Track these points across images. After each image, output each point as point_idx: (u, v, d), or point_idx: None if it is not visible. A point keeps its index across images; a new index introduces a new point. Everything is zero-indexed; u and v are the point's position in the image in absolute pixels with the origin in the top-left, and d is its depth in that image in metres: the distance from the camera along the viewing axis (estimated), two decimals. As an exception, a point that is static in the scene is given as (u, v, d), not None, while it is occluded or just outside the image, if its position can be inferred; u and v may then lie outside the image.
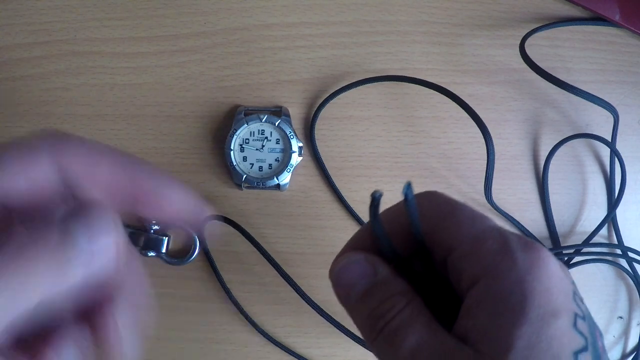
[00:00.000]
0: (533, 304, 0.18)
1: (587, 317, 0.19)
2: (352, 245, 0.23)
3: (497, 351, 0.18)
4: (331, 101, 0.41)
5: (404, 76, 0.39)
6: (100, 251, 0.17)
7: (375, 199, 0.20)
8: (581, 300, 0.20)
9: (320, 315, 0.40)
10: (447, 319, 0.20)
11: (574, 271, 0.43)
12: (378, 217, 0.21)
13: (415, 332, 0.19)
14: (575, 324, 0.18)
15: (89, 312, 0.19)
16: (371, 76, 0.40)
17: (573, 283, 0.20)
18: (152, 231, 0.41)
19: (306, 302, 0.40)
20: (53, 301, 0.17)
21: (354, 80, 0.41)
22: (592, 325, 0.19)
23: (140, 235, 0.41)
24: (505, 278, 0.18)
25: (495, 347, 0.18)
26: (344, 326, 0.39)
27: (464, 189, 0.42)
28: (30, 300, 0.16)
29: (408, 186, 0.20)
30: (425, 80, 0.37)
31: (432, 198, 0.22)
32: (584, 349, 0.18)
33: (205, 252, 0.42)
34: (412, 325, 0.19)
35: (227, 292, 0.42)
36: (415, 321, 0.19)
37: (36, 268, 0.16)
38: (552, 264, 0.19)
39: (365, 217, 0.42)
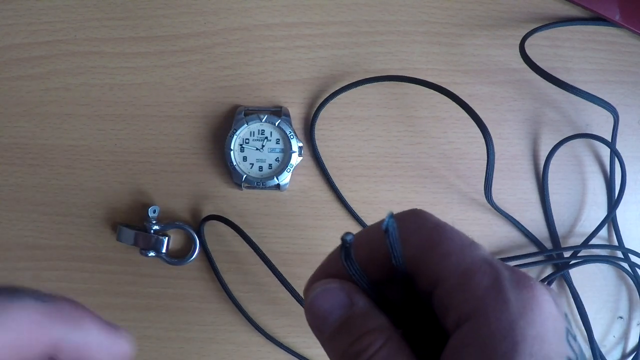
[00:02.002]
0: (524, 352, 0.16)
1: (580, 357, 0.18)
2: (326, 269, 0.22)
3: None
4: (331, 101, 0.41)
5: (404, 76, 0.39)
6: None
7: (345, 243, 0.18)
8: (574, 338, 0.18)
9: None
10: (429, 352, 0.19)
11: (574, 271, 0.43)
12: (351, 259, 0.19)
13: None
14: None
15: None
16: (371, 76, 0.40)
17: (566, 318, 0.19)
18: (152, 231, 0.41)
19: (300, 304, 0.40)
20: None
21: (354, 80, 0.41)
22: None
23: (140, 235, 0.41)
24: (496, 321, 0.17)
25: None
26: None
27: (464, 189, 0.42)
28: None
29: (390, 217, 0.18)
30: (425, 80, 0.37)
31: (418, 220, 0.20)
32: None
33: (205, 252, 0.42)
34: None
35: (227, 292, 0.42)
36: None
37: None
38: (546, 302, 0.18)
39: (365, 217, 0.42)
